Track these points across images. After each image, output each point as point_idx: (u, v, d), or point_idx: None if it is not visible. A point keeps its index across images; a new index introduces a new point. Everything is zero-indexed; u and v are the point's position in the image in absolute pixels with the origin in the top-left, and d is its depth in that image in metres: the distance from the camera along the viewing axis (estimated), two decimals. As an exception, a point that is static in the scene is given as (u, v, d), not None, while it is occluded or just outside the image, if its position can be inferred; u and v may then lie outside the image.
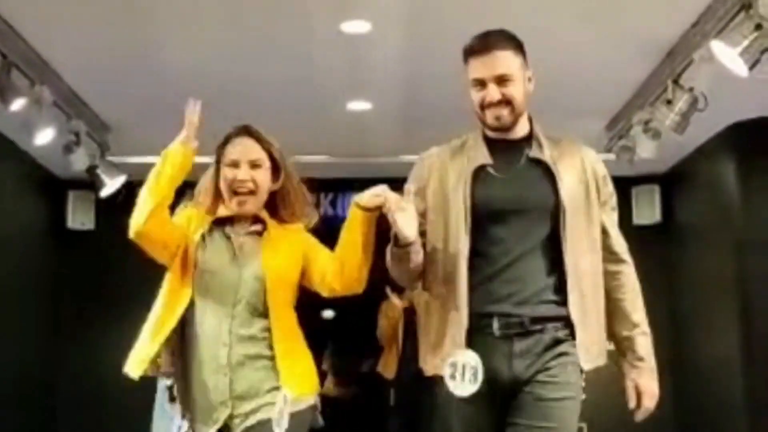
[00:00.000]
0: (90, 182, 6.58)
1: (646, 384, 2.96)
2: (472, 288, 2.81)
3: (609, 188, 2.99)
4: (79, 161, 6.19)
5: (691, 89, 5.22)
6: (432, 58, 5.30)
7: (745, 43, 4.19)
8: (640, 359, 2.96)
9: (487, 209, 2.83)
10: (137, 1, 4.77)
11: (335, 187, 7.63)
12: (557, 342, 2.82)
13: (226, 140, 3.04)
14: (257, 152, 3.01)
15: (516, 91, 2.85)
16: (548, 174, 2.86)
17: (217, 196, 3.05)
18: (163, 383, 3.58)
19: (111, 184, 6.48)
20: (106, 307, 7.53)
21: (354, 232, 2.88)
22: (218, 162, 3.05)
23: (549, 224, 2.83)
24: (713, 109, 5.27)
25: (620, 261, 2.98)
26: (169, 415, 3.61)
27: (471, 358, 2.76)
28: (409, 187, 2.83)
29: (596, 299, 2.89)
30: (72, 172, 6.53)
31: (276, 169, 3.04)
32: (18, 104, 5.13)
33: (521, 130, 2.93)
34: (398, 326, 6.67)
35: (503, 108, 2.85)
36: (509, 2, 4.57)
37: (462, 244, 2.81)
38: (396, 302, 6.72)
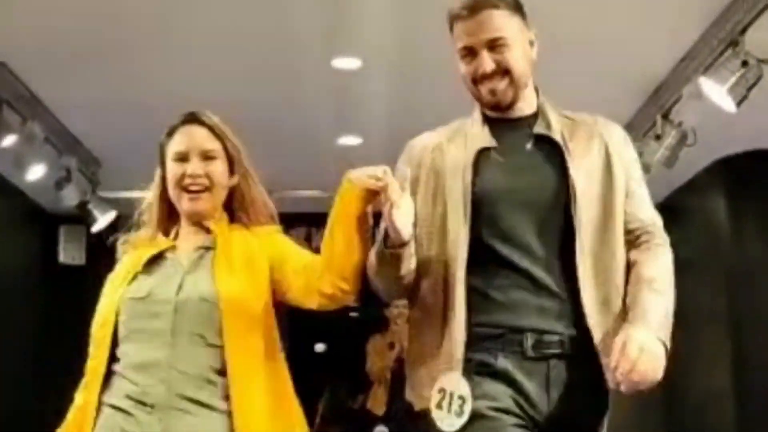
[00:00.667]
0: (81, 217, 6.59)
1: (636, 334, 2.17)
2: (489, 298, 2.25)
3: (634, 162, 2.44)
4: (71, 197, 6.19)
5: (680, 124, 5.26)
6: (422, 94, 5.34)
7: (733, 79, 4.24)
8: (641, 314, 2.23)
9: (494, 201, 2.28)
10: (128, 36, 4.80)
11: (326, 222, 7.64)
12: (587, 375, 2.23)
13: (171, 131, 2.49)
14: (210, 142, 2.46)
15: (514, 57, 2.31)
16: (559, 154, 2.31)
17: (166, 208, 2.50)
18: None
19: (102, 220, 6.47)
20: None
21: (346, 213, 2.28)
22: (163, 160, 2.49)
23: (564, 216, 2.28)
24: (702, 143, 5.30)
25: (642, 243, 2.36)
26: None
27: (461, 386, 2.21)
28: (406, 171, 2.27)
29: (620, 304, 2.29)
30: (63, 208, 6.52)
31: (232, 163, 2.49)
32: (9, 140, 5.16)
33: (527, 105, 2.39)
34: (388, 361, 6.65)
35: (500, 80, 2.32)
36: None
37: (461, 242, 2.25)
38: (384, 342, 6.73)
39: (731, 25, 4.35)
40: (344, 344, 8.19)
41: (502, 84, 2.32)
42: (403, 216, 2.19)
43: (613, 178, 2.33)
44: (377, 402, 6.68)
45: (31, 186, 6.44)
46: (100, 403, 2.30)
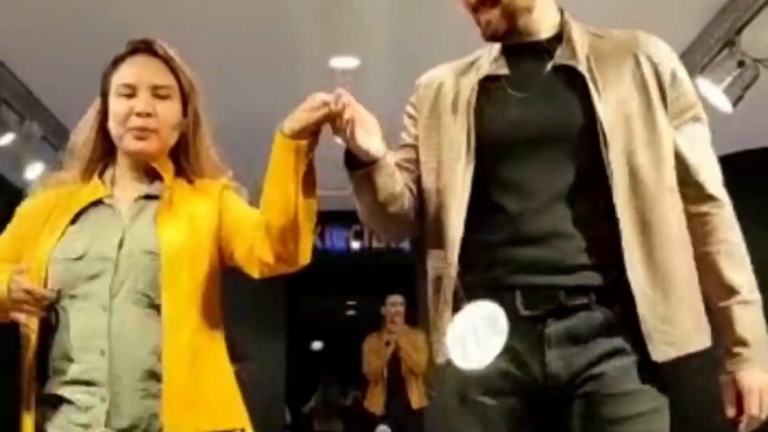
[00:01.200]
0: (78, 216, 6.59)
1: (749, 378, 2.01)
2: (485, 253, 1.96)
3: (683, 89, 2.04)
4: (68, 195, 6.20)
5: (676, 124, 5.27)
6: (420, 93, 5.35)
7: (729, 79, 4.27)
8: (740, 342, 2.02)
9: (497, 138, 1.98)
10: (126, 36, 4.79)
11: (322, 220, 7.64)
12: (612, 326, 1.92)
13: (117, 61, 2.14)
14: (163, 76, 2.10)
15: None
16: (583, 85, 1.98)
17: (102, 146, 2.14)
18: None
19: (99, 218, 6.48)
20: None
21: (281, 175, 1.93)
22: (105, 92, 2.14)
23: (588, 155, 1.94)
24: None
25: (706, 198, 2.08)
26: None
27: (481, 309, 1.92)
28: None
29: (677, 254, 1.97)
30: (61, 206, 6.53)
31: (186, 103, 2.13)
32: (7, 139, 5.18)
33: (543, 28, 2.05)
34: (384, 361, 6.65)
35: (488, 10, 2.01)
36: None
37: (458, 185, 1.97)
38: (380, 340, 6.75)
39: (727, 25, 4.37)
40: (341, 342, 8.21)
41: (492, 14, 2.01)
42: (365, 133, 1.95)
43: (652, 104, 1.99)
44: (375, 401, 6.69)
45: (29, 184, 6.45)
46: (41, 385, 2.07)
